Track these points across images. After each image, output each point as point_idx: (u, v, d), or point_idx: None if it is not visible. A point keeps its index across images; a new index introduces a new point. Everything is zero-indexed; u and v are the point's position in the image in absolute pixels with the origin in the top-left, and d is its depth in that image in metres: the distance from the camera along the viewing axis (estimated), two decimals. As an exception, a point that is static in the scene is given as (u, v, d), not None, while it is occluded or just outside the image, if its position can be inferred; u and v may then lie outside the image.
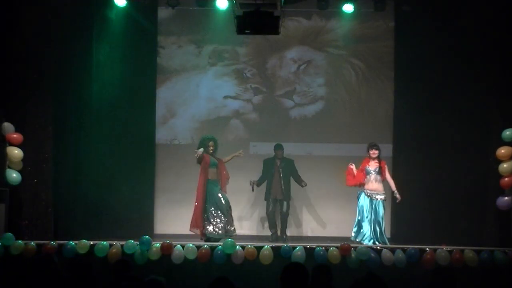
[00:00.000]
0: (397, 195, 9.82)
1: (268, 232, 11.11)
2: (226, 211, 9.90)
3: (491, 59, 10.29)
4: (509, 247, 9.10)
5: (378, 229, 9.65)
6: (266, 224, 11.35)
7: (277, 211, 10.80)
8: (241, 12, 9.00)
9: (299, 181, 10.74)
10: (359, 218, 9.76)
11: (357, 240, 9.64)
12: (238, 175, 10.48)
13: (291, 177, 10.75)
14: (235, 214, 10.41)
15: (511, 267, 8.72)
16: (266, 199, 10.78)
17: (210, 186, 9.96)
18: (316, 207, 11.47)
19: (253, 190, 10.69)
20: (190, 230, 9.91)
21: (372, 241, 9.54)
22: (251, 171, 10.87)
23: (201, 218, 9.86)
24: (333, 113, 11.75)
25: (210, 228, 9.80)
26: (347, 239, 9.73)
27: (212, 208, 9.88)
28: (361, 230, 9.68)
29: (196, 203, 9.94)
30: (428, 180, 10.70)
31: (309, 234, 11.24)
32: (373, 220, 9.67)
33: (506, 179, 9.72)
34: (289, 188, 10.67)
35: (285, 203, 10.69)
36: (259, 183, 10.73)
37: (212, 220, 9.83)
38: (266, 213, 10.81)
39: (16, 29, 9.82)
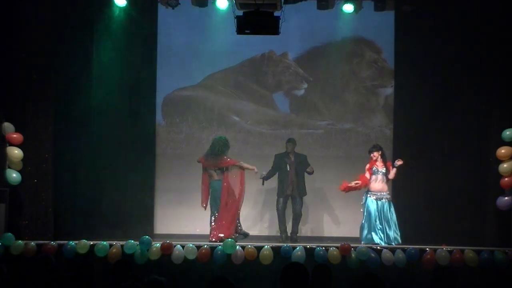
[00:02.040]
0: (398, 162, 9.80)
1: (268, 232, 11.11)
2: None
3: (491, 59, 10.30)
4: (509, 247, 9.11)
5: (390, 230, 9.63)
6: (266, 224, 11.34)
7: (288, 208, 10.61)
8: (241, 12, 9.00)
9: (309, 171, 10.45)
10: (366, 221, 9.74)
11: (366, 243, 9.56)
12: (237, 175, 10.44)
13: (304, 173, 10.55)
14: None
15: (511, 267, 8.72)
16: (278, 195, 10.51)
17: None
18: (317, 208, 11.45)
19: (263, 184, 10.47)
20: (232, 236, 9.66)
21: (382, 242, 9.52)
22: (251, 171, 10.85)
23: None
24: (334, 113, 11.75)
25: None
26: (352, 239, 9.73)
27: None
28: (369, 233, 9.66)
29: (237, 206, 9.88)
30: (428, 180, 10.70)
31: (309, 234, 11.21)
32: (382, 221, 9.65)
33: (506, 179, 9.73)
34: (303, 185, 10.51)
35: (298, 200, 10.45)
36: (267, 177, 10.47)
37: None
38: (277, 209, 10.54)
39: (16, 29, 9.82)
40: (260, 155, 11.38)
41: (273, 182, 10.74)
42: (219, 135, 10.41)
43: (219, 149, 9.92)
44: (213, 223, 9.79)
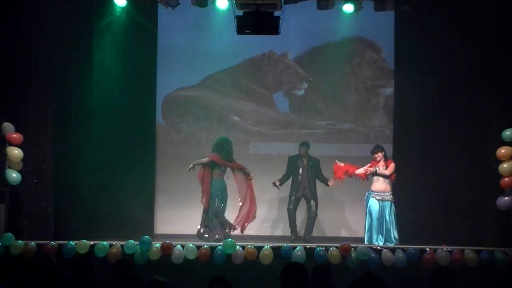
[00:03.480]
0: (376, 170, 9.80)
1: (268, 232, 11.13)
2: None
3: (491, 59, 10.29)
4: (509, 247, 9.11)
5: (389, 230, 9.63)
6: (267, 224, 11.35)
7: (303, 212, 10.62)
8: (241, 12, 9.00)
9: (325, 180, 10.44)
10: (369, 221, 9.73)
11: (368, 243, 9.55)
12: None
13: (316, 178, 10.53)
14: (236, 214, 10.42)
15: (511, 267, 8.72)
16: (290, 197, 10.49)
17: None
18: (319, 208, 11.42)
19: (278, 188, 10.50)
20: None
21: (383, 243, 9.52)
22: (251, 171, 10.85)
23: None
24: (334, 113, 11.76)
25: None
26: (352, 239, 9.73)
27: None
28: (372, 233, 9.65)
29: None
30: (428, 180, 10.69)
31: (315, 235, 11.19)
32: (383, 222, 9.65)
33: (506, 179, 9.72)
34: (315, 188, 10.48)
35: (313, 202, 10.41)
36: (282, 182, 10.48)
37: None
38: (287, 210, 10.51)
39: (16, 29, 9.82)
40: (260, 155, 11.38)
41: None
42: (223, 136, 10.44)
43: (230, 149, 10.04)
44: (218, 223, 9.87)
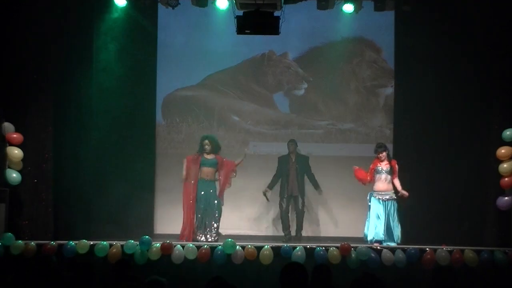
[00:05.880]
0: (404, 192, 9.71)
1: (268, 232, 11.13)
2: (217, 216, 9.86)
3: (491, 59, 10.29)
4: (509, 247, 9.11)
5: (392, 229, 9.61)
6: (267, 224, 11.35)
7: (291, 210, 10.63)
8: (241, 12, 9.00)
9: (316, 185, 10.59)
10: (370, 221, 9.71)
11: (370, 242, 9.54)
12: (238, 175, 10.45)
13: (305, 175, 10.60)
14: (236, 214, 10.41)
15: (511, 267, 8.72)
16: (281, 196, 10.55)
17: (202, 187, 9.92)
18: (317, 208, 11.45)
19: (267, 200, 10.60)
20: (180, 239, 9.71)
21: (386, 242, 9.52)
22: (251, 171, 10.86)
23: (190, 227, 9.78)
24: (334, 113, 11.76)
25: (203, 238, 9.73)
26: (352, 239, 9.73)
27: (202, 212, 9.82)
28: (374, 233, 9.63)
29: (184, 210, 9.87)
30: (428, 180, 10.69)
31: (310, 234, 11.20)
32: (386, 222, 9.63)
33: (506, 179, 9.72)
34: (303, 185, 10.54)
35: (300, 199, 10.49)
36: (272, 185, 10.56)
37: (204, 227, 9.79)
38: (280, 214, 10.58)
39: (17, 29, 9.82)
40: (260, 155, 11.38)
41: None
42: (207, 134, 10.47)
43: (201, 142, 10.03)
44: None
